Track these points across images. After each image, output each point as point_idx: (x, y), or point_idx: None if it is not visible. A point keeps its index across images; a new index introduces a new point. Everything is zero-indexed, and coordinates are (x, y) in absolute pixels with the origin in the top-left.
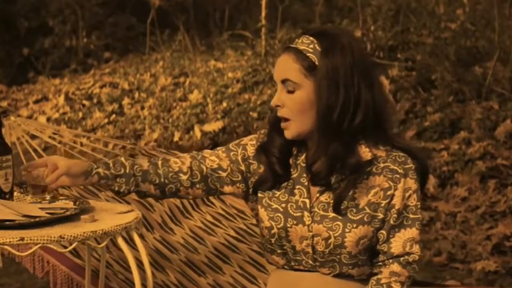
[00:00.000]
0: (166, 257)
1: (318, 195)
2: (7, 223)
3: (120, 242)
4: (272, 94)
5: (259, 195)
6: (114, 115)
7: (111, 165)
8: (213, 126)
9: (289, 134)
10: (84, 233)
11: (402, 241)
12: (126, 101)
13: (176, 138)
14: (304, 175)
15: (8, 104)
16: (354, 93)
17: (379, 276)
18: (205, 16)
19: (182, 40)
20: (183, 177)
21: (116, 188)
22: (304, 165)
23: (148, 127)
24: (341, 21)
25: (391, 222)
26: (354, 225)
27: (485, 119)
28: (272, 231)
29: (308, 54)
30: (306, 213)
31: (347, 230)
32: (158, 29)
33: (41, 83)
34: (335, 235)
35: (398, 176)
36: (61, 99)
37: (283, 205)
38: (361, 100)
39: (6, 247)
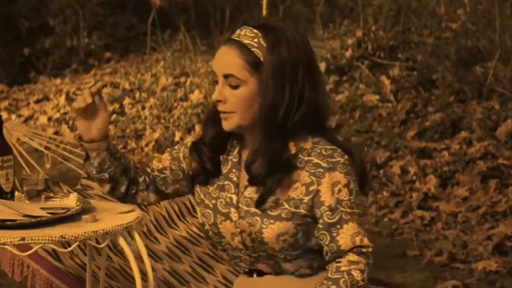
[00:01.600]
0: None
1: (243, 190)
2: (8, 223)
3: (121, 242)
4: None
5: (195, 191)
6: (115, 115)
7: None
8: None
9: (228, 125)
10: (85, 233)
11: (349, 236)
12: (127, 101)
13: (177, 138)
14: (234, 170)
15: (9, 104)
16: (298, 90)
17: (338, 264)
18: (205, 16)
19: (183, 40)
20: (140, 179)
21: (106, 166)
22: (235, 160)
23: (149, 127)
24: (342, 21)
25: (326, 219)
26: (271, 221)
27: (486, 119)
28: (205, 228)
29: (253, 49)
30: (232, 209)
31: (264, 226)
32: (159, 29)
33: (42, 83)
34: (254, 230)
35: (321, 170)
36: (62, 99)
37: (213, 201)
38: (305, 97)
39: (7, 247)
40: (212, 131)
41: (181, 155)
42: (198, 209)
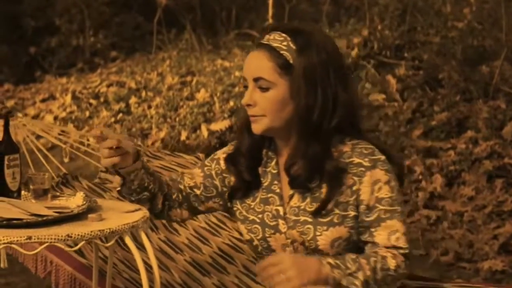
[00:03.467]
0: (171, 257)
1: (288, 200)
2: (15, 222)
3: (128, 241)
4: None
5: (235, 209)
6: (121, 114)
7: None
8: (220, 125)
9: (258, 128)
10: (91, 232)
11: (386, 234)
12: (133, 100)
13: (183, 137)
14: (276, 182)
15: (15, 103)
16: (331, 92)
17: (376, 249)
18: (212, 15)
19: (188, 39)
20: (173, 196)
21: (146, 184)
22: (275, 171)
23: (155, 126)
24: (348, 20)
25: (365, 218)
26: (325, 228)
27: (492, 118)
28: (254, 244)
29: (282, 52)
30: (280, 221)
31: (318, 233)
32: (165, 28)
33: (48, 82)
34: (308, 239)
35: (363, 169)
36: (68, 98)
37: (260, 215)
38: (339, 99)
39: (13, 245)
40: (248, 139)
41: (213, 172)
42: (242, 226)
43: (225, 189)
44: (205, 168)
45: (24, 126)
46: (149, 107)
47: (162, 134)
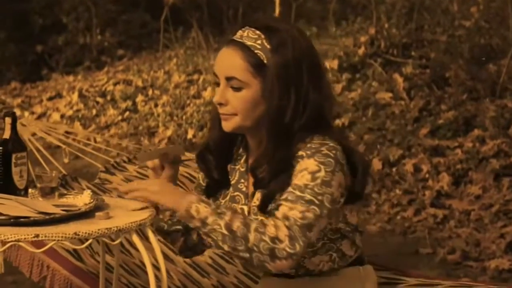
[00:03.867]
0: (170, 259)
1: (251, 199)
2: (22, 220)
3: (135, 239)
4: None
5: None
6: (127, 112)
7: None
8: None
9: (228, 126)
10: (99, 230)
11: (283, 210)
12: (139, 98)
13: (189, 136)
14: (242, 180)
15: (22, 101)
16: (303, 91)
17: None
18: (218, 13)
19: (195, 37)
20: None
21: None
22: (243, 169)
23: (162, 124)
24: (355, 18)
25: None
26: None
27: (499, 117)
28: None
29: (256, 51)
30: None
31: None
32: (172, 26)
33: (55, 80)
34: None
35: (300, 159)
36: (75, 96)
37: None
38: (309, 100)
39: (21, 243)
40: (219, 135)
41: (201, 180)
42: None
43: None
44: (196, 185)
45: (24, 126)
46: (156, 105)
47: (169, 133)
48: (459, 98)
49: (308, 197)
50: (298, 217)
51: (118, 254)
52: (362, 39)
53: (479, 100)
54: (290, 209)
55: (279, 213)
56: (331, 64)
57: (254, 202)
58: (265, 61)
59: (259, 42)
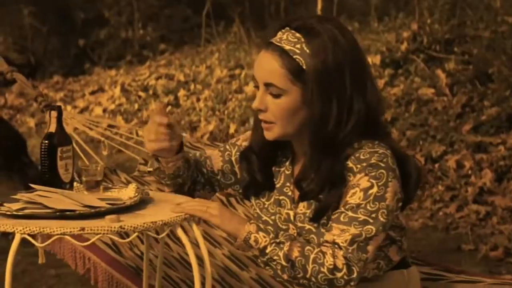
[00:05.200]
0: (209, 252)
1: (295, 205)
2: (68, 213)
3: (180, 233)
4: None
5: (251, 203)
6: (169, 107)
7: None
8: None
9: (270, 135)
10: (144, 223)
11: (335, 232)
12: (181, 92)
13: (231, 130)
14: (288, 184)
15: (64, 95)
16: (346, 98)
17: (322, 243)
18: (260, 8)
19: (237, 32)
20: (197, 179)
21: (180, 172)
22: (288, 172)
23: (204, 119)
24: (397, 14)
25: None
26: None
27: None
28: None
29: (295, 57)
30: (291, 226)
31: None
32: (214, 21)
33: (97, 74)
34: None
35: (351, 174)
36: (117, 91)
37: (273, 217)
38: (354, 107)
39: (67, 236)
40: (260, 138)
41: (233, 158)
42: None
43: (243, 177)
44: (226, 153)
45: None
46: (198, 100)
47: (210, 127)
48: (502, 95)
49: (362, 217)
50: (354, 241)
51: (162, 248)
52: (405, 34)
53: None
54: (344, 232)
55: (332, 236)
56: (373, 59)
57: (300, 209)
58: (304, 67)
59: (298, 46)
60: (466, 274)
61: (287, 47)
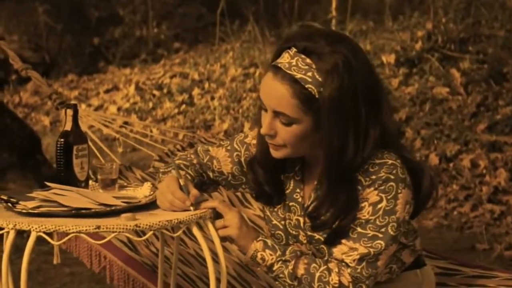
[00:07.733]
0: (225, 248)
1: (306, 209)
2: (83, 211)
3: (195, 231)
4: None
5: (262, 207)
6: (184, 105)
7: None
8: None
9: (277, 155)
10: (159, 222)
11: (343, 249)
12: (196, 91)
13: (246, 129)
14: (298, 190)
15: (79, 94)
16: (362, 123)
17: (331, 259)
18: (274, 6)
19: (251, 31)
20: (203, 179)
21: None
22: (298, 178)
23: (218, 117)
24: (412, 12)
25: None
26: None
27: None
28: None
29: (307, 86)
30: (301, 232)
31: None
32: (228, 19)
33: (112, 72)
34: (322, 257)
35: (360, 187)
36: (132, 89)
37: (283, 222)
38: (369, 131)
39: (82, 234)
40: (266, 153)
41: (242, 159)
42: (266, 227)
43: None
44: (235, 154)
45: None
46: (212, 98)
47: (225, 126)
48: None
49: (371, 233)
50: (362, 260)
51: (177, 246)
52: (419, 33)
53: None
54: (352, 251)
55: (341, 255)
56: (388, 58)
57: (313, 234)
58: (316, 96)
59: (309, 74)
60: (481, 268)
61: (298, 76)
